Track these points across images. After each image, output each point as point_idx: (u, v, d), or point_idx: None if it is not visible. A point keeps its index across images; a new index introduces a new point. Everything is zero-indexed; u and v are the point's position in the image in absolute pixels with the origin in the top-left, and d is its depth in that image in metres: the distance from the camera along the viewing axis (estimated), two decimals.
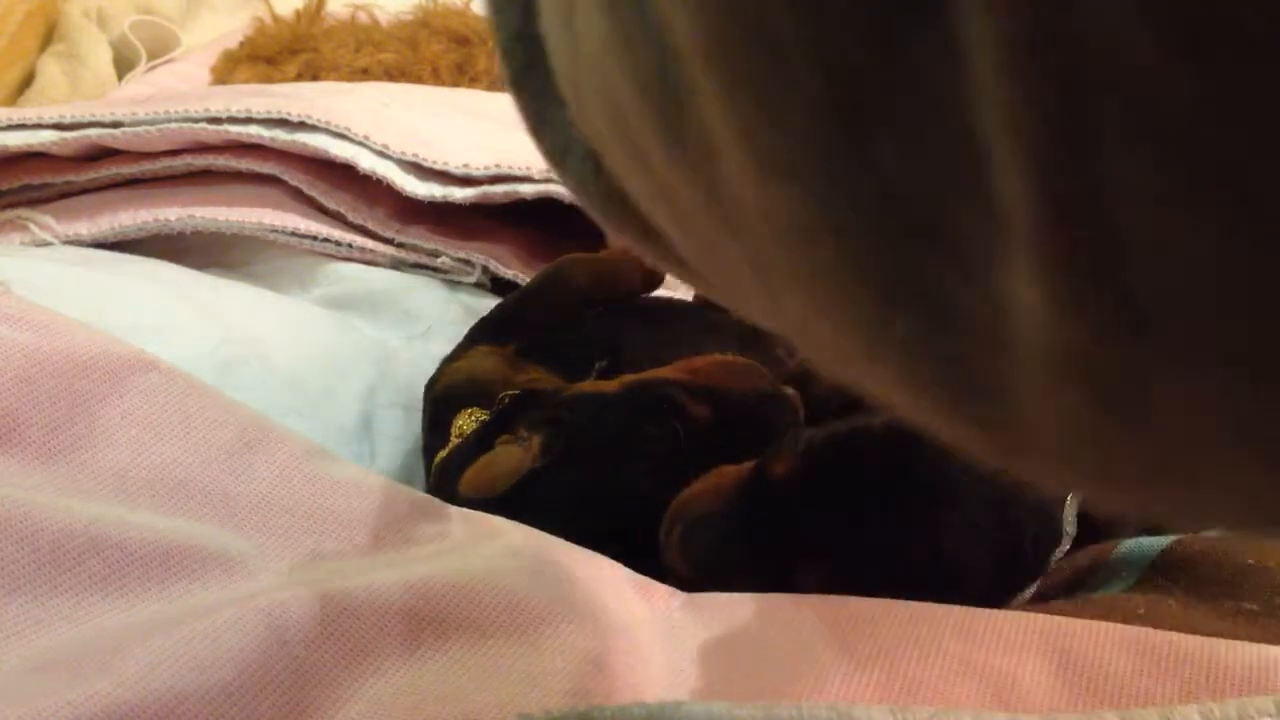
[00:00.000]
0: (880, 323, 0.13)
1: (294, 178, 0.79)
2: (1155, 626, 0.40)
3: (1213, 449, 0.12)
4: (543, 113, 0.22)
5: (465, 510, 0.51)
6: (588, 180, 0.21)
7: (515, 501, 0.53)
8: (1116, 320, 0.11)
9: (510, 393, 0.62)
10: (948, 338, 0.12)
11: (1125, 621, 0.41)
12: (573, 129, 0.21)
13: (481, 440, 0.58)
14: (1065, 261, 0.11)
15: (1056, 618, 0.41)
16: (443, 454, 0.61)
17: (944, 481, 0.49)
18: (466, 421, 0.62)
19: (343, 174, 0.79)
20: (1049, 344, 0.11)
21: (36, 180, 0.80)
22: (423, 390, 0.68)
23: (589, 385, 0.61)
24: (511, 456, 0.55)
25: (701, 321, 0.71)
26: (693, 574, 0.51)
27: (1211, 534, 0.55)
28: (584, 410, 0.58)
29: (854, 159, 0.12)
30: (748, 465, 0.53)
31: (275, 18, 1.18)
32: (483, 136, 0.82)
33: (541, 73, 0.21)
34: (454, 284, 0.82)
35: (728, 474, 0.54)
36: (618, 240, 0.22)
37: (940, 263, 0.12)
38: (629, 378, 0.60)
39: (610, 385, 0.60)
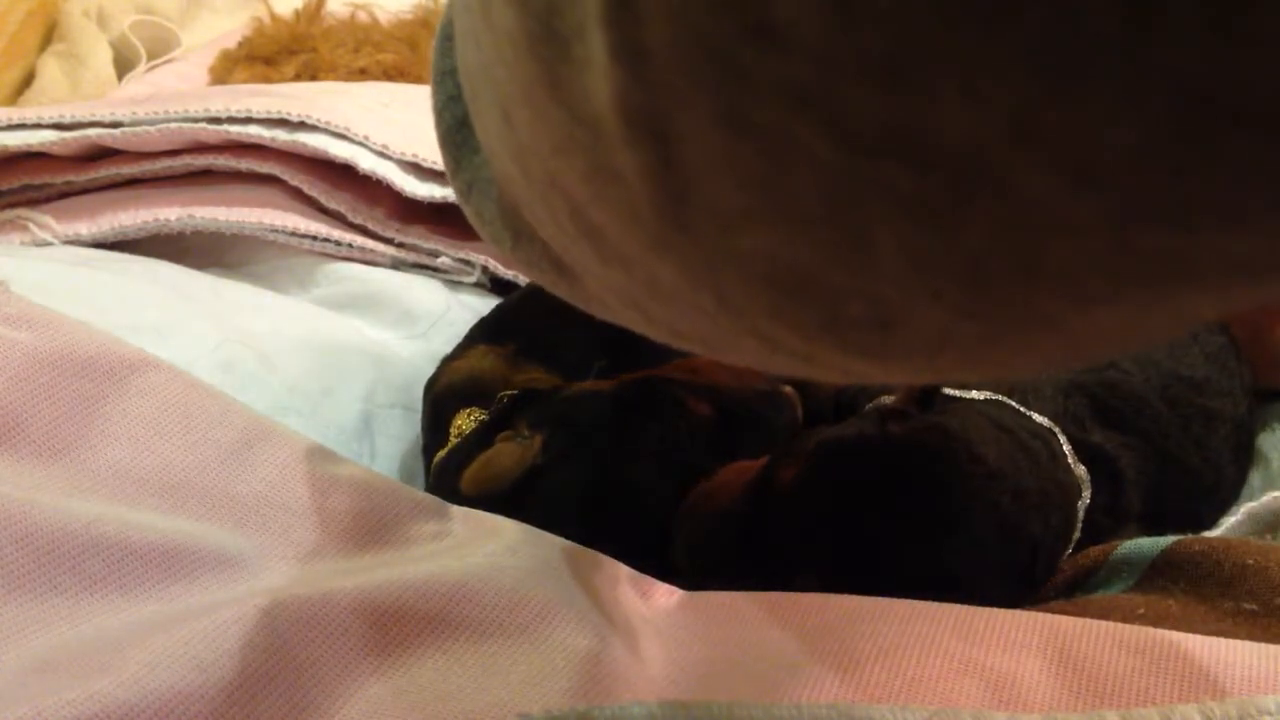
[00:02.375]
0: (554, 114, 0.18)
1: (294, 178, 0.79)
2: (1155, 626, 0.40)
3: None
4: (460, 159, 0.28)
5: (465, 509, 0.51)
6: (492, 214, 0.27)
7: (516, 500, 0.53)
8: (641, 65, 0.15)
9: (509, 393, 0.62)
10: (579, 127, 0.17)
11: (1125, 621, 0.41)
12: (484, 170, 0.27)
13: (480, 440, 0.58)
14: (611, 24, 0.15)
15: (1057, 617, 0.41)
16: (442, 454, 0.61)
17: (951, 498, 0.48)
18: (465, 421, 0.62)
19: (343, 174, 0.79)
20: (611, 89, 0.16)
21: (36, 180, 0.80)
22: (422, 390, 0.68)
23: (589, 384, 0.61)
24: (512, 453, 0.55)
25: None
26: (698, 572, 0.51)
27: (1211, 534, 0.55)
28: (584, 409, 0.58)
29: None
30: (759, 463, 0.53)
31: (274, 18, 1.18)
32: None
33: (467, 130, 0.27)
34: (454, 284, 0.82)
35: (740, 471, 0.53)
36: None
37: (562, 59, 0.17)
38: (629, 376, 0.60)
39: (610, 384, 0.60)
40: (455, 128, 0.28)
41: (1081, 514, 0.53)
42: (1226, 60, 0.12)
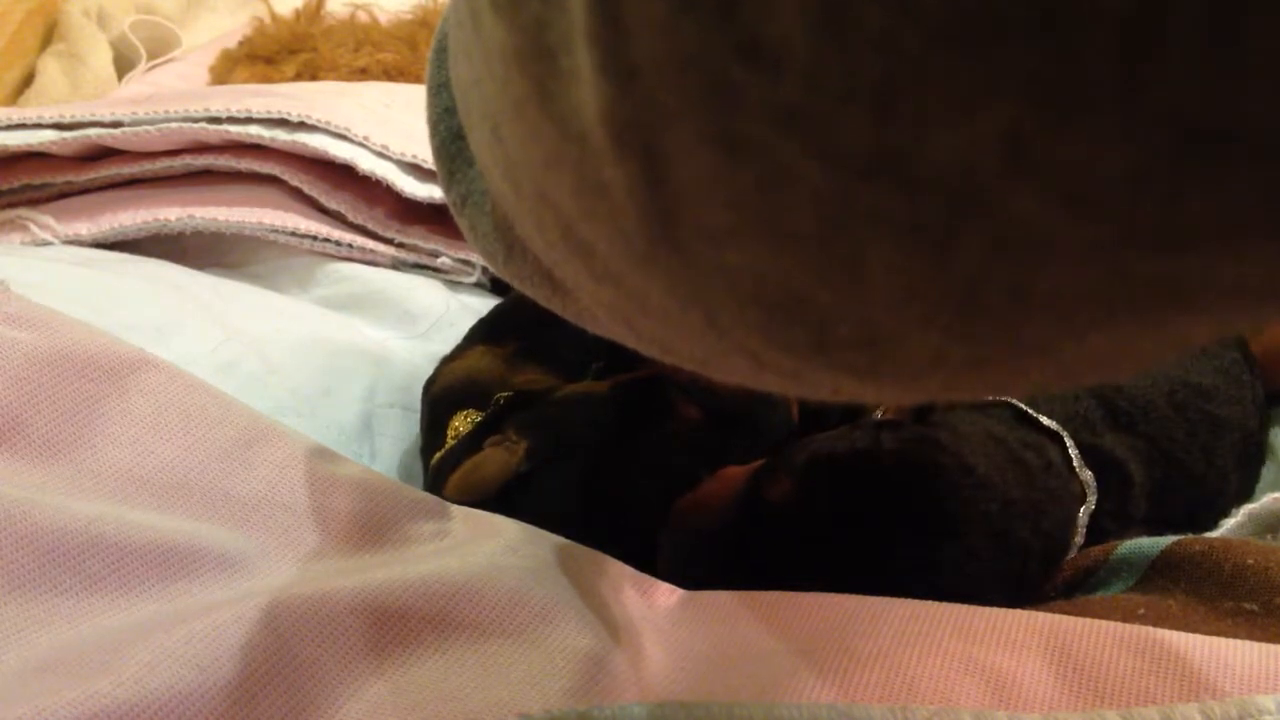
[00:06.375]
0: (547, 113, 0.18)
1: (294, 178, 0.79)
2: (1155, 626, 0.40)
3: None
4: (454, 172, 0.28)
5: (465, 509, 0.51)
6: (486, 228, 0.27)
7: (509, 503, 0.53)
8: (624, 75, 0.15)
9: (504, 395, 0.61)
10: (568, 141, 0.17)
11: (1125, 621, 0.41)
12: (478, 183, 0.27)
13: (473, 443, 0.58)
14: (598, 39, 0.15)
15: (1057, 616, 0.41)
16: (439, 455, 0.61)
17: (944, 511, 0.48)
18: (463, 423, 0.62)
19: (343, 174, 0.79)
20: (599, 105, 0.16)
21: (36, 180, 0.80)
22: (421, 390, 0.68)
23: (581, 386, 0.61)
24: (497, 460, 0.55)
25: None
26: (684, 587, 0.51)
27: (1212, 535, 0.55)
28: (575, 411, 0.58)
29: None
30: (748, 471, 0.53)
31: (274, 17, 1.18)
32: None
33: (461, 143, 0.27)
34: (454, 284, 0.82)
35: (728, 481, 0.53)
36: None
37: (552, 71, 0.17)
38: (621, 377, 0.60)
39: (602, 385, 0.60)
40: (450, 140, 0.28)
41: (1086, 520, 0.53)
42: (1224, 88, 0.12)
